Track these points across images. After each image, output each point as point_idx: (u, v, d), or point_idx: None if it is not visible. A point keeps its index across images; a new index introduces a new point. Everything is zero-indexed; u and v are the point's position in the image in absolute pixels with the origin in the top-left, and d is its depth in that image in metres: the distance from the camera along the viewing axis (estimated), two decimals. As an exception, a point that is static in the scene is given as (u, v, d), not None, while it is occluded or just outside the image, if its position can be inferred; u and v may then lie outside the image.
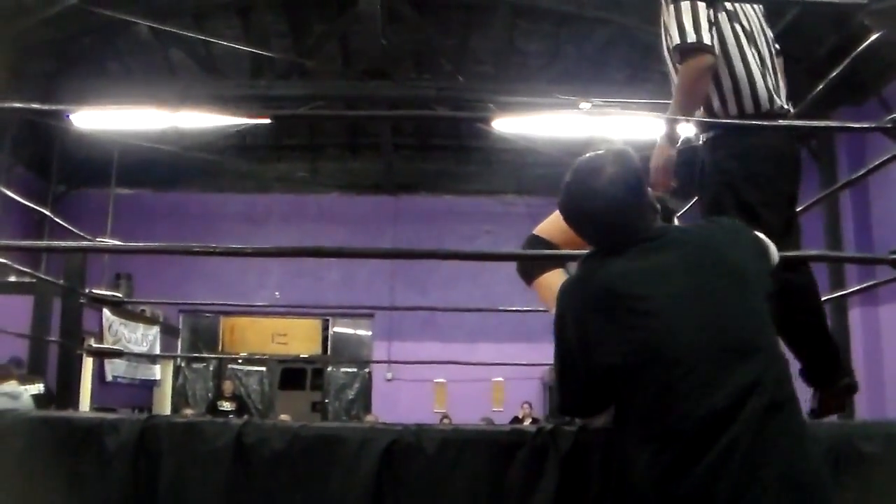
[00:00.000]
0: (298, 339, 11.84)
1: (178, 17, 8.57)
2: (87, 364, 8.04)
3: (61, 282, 4.16)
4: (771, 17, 2.30)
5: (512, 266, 2.17)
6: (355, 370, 11.54)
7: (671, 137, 2.07)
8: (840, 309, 7.17)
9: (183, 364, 11.14)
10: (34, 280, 6.23)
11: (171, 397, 10.81)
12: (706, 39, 2.00)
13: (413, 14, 8.36)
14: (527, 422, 8.71)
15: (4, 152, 8.57)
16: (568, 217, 1.58)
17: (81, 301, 4.11)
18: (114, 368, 8.80)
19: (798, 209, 2.27)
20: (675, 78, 2.12)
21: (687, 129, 2.25)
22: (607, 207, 1.48)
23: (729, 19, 2.11)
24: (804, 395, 1.99)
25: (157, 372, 10.13)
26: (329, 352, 11.69)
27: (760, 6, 2.22)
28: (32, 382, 5.35)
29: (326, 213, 11.20)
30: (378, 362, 10.96)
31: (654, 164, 2.05)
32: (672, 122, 2.07)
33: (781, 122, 2.13)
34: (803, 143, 7.00)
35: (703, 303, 1.39)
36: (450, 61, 8.96)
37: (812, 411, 2.08)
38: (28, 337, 5.88)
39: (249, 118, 10.21)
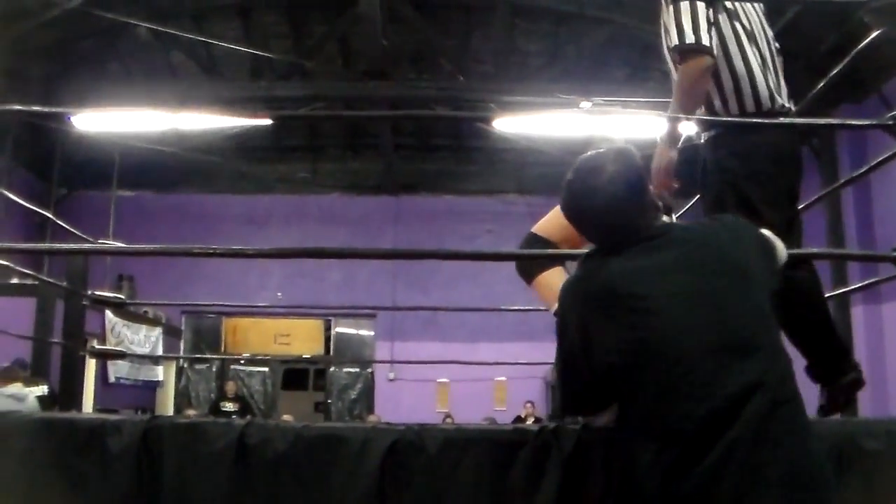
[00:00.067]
0: (301, 339, 11.85)
1: (179, 19, 8.58)
2: (90, 365, 8.06)
3: (64, 284, 4.17)
4: (771, 15, 2.30)
5: (513, 266, 2.17)
6: (358, 370, 11.54)
7: (672, 139, 2.08)
8: (843, 307, 7.15)
9: (185, 365, 11.15)
10: (37, 282, 6.24)
11: (174, 398, 10.82)
12: (705, 40, 2.00)
13: (413, 14, 8.36)
14: (530, 421, 8.71)
15: (6, 155, 8.57)
16: (569, 215, 1.58)
17: (84, 303, 4.12)
18: (116, 370, 8.82)
19: (800, 207, 2.27)
20: (675, 76, 2.12)
21: (688, 129, 2.25)
22: (608, 206, 1.48)
23: (729, 18, 2.11)
24: (811, 391, 2.00)
25: (159, 373, 10.14)
26: (331, 352, 11.69)
27: (761, 5, 2.22)
28: (36, 384, 5.35)
29: (327, 214, 11.21)
30: (380, 362, 10.96)
31: (655, 166, 2.05)
32: (672, 123, 2.07)
33: (783, 119, 2.13)
34: (804, 141, 6.99)
35: (705, 301, 1.38)
36: (450, 61, 8.96)
37: (821, 408, 2.08)
38: (31, 339, 5.88)
39: (250, 119, 10.20)
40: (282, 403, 11.49)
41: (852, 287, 4.54)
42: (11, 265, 3.55)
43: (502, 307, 7.58)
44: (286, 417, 7.82)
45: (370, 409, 10.81)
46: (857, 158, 7.22)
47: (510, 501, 1.68)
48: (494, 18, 8.67)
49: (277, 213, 11.17)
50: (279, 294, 10.31)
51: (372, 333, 11.47)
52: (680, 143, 2.10)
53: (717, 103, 2.12)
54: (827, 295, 2.40)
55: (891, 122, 2.04)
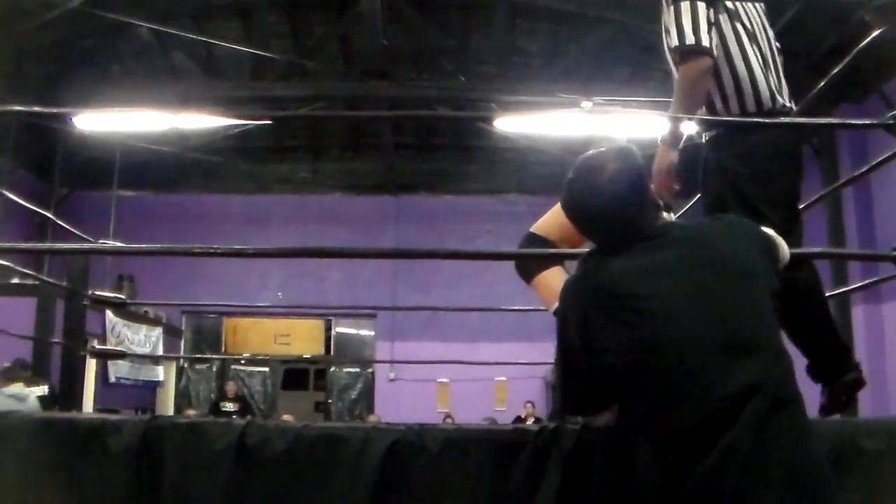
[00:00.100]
0: (301, 339, 11.85)
1: (179, 19, 8.58)
2: (91, 365, 8.06)
3: (64, 284, 4.17)
4: (772, 14, 2.30)
5: (514, 265, 2.16)
6: (358, 370, 11.54)
7: (673, 140, 2.08)
8: (843, 306, 7.15)
9: (186, 365, 11.16)
10: (37, 282, 6.24)
11: (174, 398, 10.82)
12: (705, 42, 2.00)
13: (414, 14, 8.35)
14: (530, 421, 8.70)
15: (6, 155, 8.57)
16: (570, 214, 1.58)
17: (84, 303, 4.12)
18: (117, 370, 8.82)
19: (800, 206, 2.27)
20: (676, 76, 2.12)
21: (689, 129, 2.25)
22: (609, 205, 1.48)
23: (730, 18, 2.11)
24: (812, 391, 1.99)
25: (160, 373, 10.14)
26: (332, 352, 11.70)
27: (762, 4, 2.22)
28: (36, 384, 5.36)
29: (328, 214, 11.21)
30: (381, 362, 10.96)
31: (656, 167, 2.05)
32: (673, 125, 2.07)
33: (783, 119, 2.13)
34: (805, 141, 6.98)
35: (705, 301, 1.38)
36: (451, 61, 8.96)
37: (822, 407, 2.08)
38: (31, 339, 5.89)
39: (250, 119, 10.23)
40: (282, 403, 11.50)
41: (853, 286, 4.53)
42: (12, 265, 3.56)
43: (503, 307, 7.57)
44: (286, 417, 7.82)
45: (370, 409, 10.81)
46: (857, 158, 7.21)
47: (510, 501, 1.68)
48: (495, 18, 8.67)
49: (278, 212, 11.18)
50: (279, 294, 10.31)
51: (372, 333, 11.47)
52: (681, 144, 2.10)
53: (718, 103, 2.12)
54: (827, 294, 2.40)
55: (891, 122, 2.04)
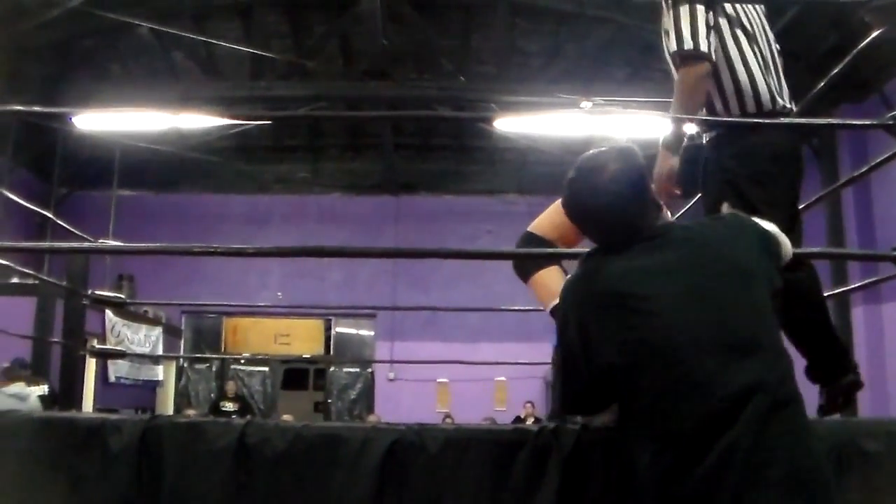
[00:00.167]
0: (301, 339, 11.85)
1: (179, 19, 8.58)
2: (90, 365, 8.06)
3: (64, 283, 4.17)
4: (771, 15, 2.30)
5: (511, 264, 2.17)
6: (358, 370, 11.54)
7: (673, 145, 2.08)
8: (843, 307, 7.15)
9: (185, 365, 11.16)
10: (37, 282, 6.24)
11: (174, 398, 10.82)
12: (703, 47, 2.01)
13: (413, 14, 8.35)
14: (529, 421, 8.70)
15: (6, 155, 8.57)
16: (571, 214, 1.58)
17: (84, 302, 4.12)
18: (117, 369, 8.82)
19: (800, 207, 2.27)
20: (676, 78, 2.12)
21: (689, 130, 2.25)
22: (609, 205, 1.48)
23: (730, 21, 2.11)
24: (812, 392, 2.00)
25: (159, 373, 10.14)
26: (331, 352, 11.69)
27: (762, 6, 2.22)
28: (37, 384, 5.35)
29: (328, 214, 11.20)
30: (380, 362, 10.96)
31: (657, 172, 2.06)
32: (674, 129, 2.08)
33: (783, 119, 2.13)
34: (805, 141, 6.99)
35: (705, 302, 1.38)
36: (450, 61, 8.96)
37: (820, 408, 2.09)
38: (31, 338, 5.89)
39: (250, 119, 10.22)
40: (282, 403, 11.50)
41: (852, 286, 4.53)
42: (12, 264, 3.56)
43: (502, 307, 7.58)
44: (286, 417, 7.82)
45: (370, 409, 10.81)
46: (857, 158, 7.21)
47: (510, 501, 1.67)
48: (495, 18, 8.67)
49: (278, 212, 11.18)
50: (279, 294, 10.32)
51: (372, 333, 11.47)
52: (681, 149, 2.11)
53: (719, 105, 2.13)
54: (827, 294, 2.40)
55: (891, 122, 2.04)
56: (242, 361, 11.54)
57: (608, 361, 1.40)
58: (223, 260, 9.56)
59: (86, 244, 3.36)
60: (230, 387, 10.03)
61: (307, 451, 1.75)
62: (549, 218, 2.09)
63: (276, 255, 4.67)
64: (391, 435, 1.75)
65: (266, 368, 11.52)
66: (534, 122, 8.09)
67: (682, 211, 3.10)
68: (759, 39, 2.16)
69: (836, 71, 3.33)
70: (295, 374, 12.33)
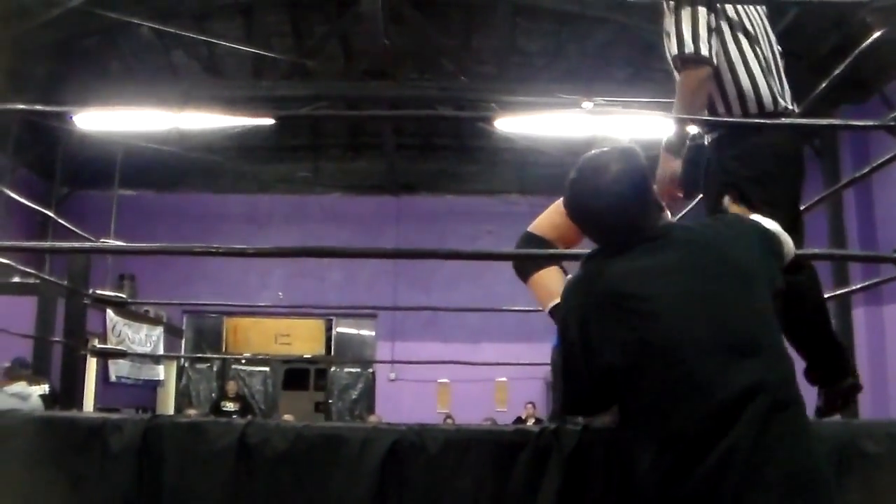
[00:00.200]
0: (302, 339, 11.85)
1: (181, 19, 8.59)
2: (91, 364, 8.06)
3: (65, 283, 4.18)
4: (773, 15, 2.30)
5: (511, 264, 2.17)
6: (358, 370, 11.54)
7: (676, 149, 2.09)
8: (844, 308, 7.15)
9: (186, 364, 11.16)
10: (38, 281, 6.25)
11: (175, 398, 10.82)
12: (704, 51, 2.01)
13: (415, 14, 8.35)
14: (530, 422, 8.70)
15: (7, 154, 8.58)
16: (572, 214, 1.58)
17: (85, 302, 4.13)
18: (117, 369, 8.82)
19: (802, 208, 2.27)
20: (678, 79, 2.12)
21: (691, 132, 2.25)
22: (611, 205, 1.48)
23: (731, 23, 2.11)
24: (812, 393, 1.99)
25: (160, 372, 10.14)
26: (332, 352, 11.69)
27: (763, 7, 2.22)
28: (37, 383, 5.36)
29: (328, 214, 11.20)
30: (381, 362, 10.96)
31: (660, 175, 2.06)
32: (675, 134, 2.08)
33: (784, 120, 2.13)
34: (806, 142, 6.98)
35: (706, 303, 1.38)
36: (452, 61, 8.96)
37: (818, 410, 2.09)
38: (32, 337, 5.89)
39: (252, 119, 10.21)
40: (282, 403, 11.50)
41: (854, 288, 4.52)
42: (13, 264, 3.56)
43: (503, 307, 7.57)
44: (287, 417, 7.82)
45: (371, 410, 10.81)
46: (858, 159, 7.21)
47: (511, 502, 1.67)
48: (496, 18, 8.67)
49: (279, 212, 11.18)
50: (280, 294, 10.32)
51: (373, 333, 11.47)
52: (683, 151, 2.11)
53: (721, 108, 2.13)
54: (828, 296, 2.40)
55: (892, 123, 2.04)
56: (243, 361, 11.54)
57: (609, 362, 1.39)
58: (224, 260, 9.56)
59: (87, 244, 3.36)
60: (231, 387, 10.03)
61: (308, 451, 1.75)
62: (549, 218, 2.10)
63: (277, 255, 4.67)
64: (392, 435, 1.75)
65: (267, 368, 11.52)
66: (535, 123, 8.08)
67: (684, 212, 3.10)
68: (761, 41, 2.16)
69: (837, 71, 3.33)
70: (296, 375, 12.33)
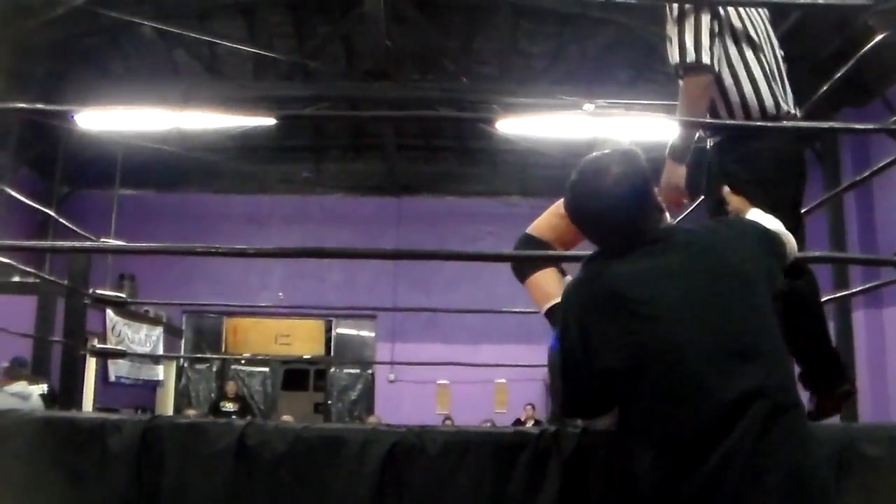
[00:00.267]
0: (301, 339, 11.85)
1: (182, 18, 8.59)
2: (91, 364, 8.06)
3: (65, 282, 4.18)
4: (775, 19, 2.30)
5: (509, 265, 2.17)
6: (358, 371, 11.54)
7: (680, 156, 2.09)
8: (844, 311, 7.15)
9: (186, 365, 11.16)
10: (38, 280, 6.25)
11: (174, 398, 10.82)
12: (705, 59, 2.01)
13: (416, 15, 8.36)
14: (530, 423, 8.70)
15: (8, 153, 8.58)
16: (573, 217, 1.58)
17: (85, 301, 4.13)
18: (117, 369, 8.82)
19: (802, 211, 2.27)
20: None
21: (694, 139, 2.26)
22: (612, 208, 1.48)
23: (734, 34, 2.11)
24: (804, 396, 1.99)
25: (160, 372, 10.14)
26: (332, 353, 11.69)
27: (766, 11, 2.22)
28: (36, 383, 5.36)
29: (329, 215, 11.21)
30: (381, 363, 10.95)
31: (664, 181, 2.07)
32: (679, 140, 2.08)
33: (785, 123, 2.13)
34: (807, 145, 6.98)
35: (707, 306, 1.38)
36: (453, 62, 8.96)
37: (809, 414, 2.08)
38: (32, 337, 5.89)
39: (253, 119, 10.21)
40: (282, 404, 11.49)
41: (854, 290, 4.52)
42: (13, 263, 3.56)
43: (503, 309, 7.56)
44: (286, 418, 7.82)
45: (370, 411, 10.80)
46: (859, 162, 7.21)
47: (510, 504, 1.67)
48: (498, 19, 8.67)
49: (279, 213, 11.18)
50: (280, 294, 10.32)
51: (373, 334, 11.46)
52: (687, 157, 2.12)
53: (724, 114, 2.14)
54: (828, 298, 2.40)
55: (894, 127, 2.05)
56: (243, 362, 11.53)
57: (609, 365, 1.39)
58: (224, 260, 9.56)
59: (87, 243, 3.36)
60: (230, 387, 10.02)
61: (307, 452, 1.75)
62: (548, 220, 2.10)
63: (277, 255, 4.67)
64: (391, 437, 1.75)
65: (266, 369, 11.51)
66: (536, 124, 8.09)
67: (685, 214, 3.10)
68: (764, 47, 2.16)
69: (839, 75, 3.33)
70: (295, 375, 12.32)
